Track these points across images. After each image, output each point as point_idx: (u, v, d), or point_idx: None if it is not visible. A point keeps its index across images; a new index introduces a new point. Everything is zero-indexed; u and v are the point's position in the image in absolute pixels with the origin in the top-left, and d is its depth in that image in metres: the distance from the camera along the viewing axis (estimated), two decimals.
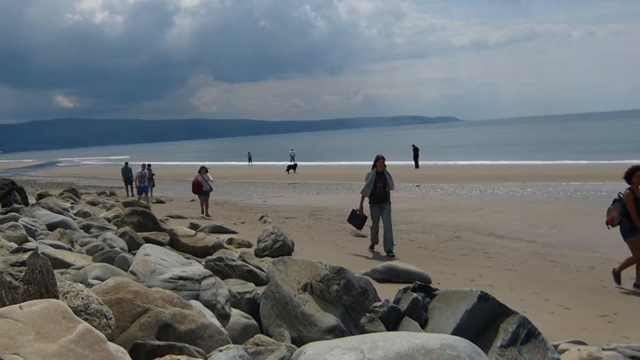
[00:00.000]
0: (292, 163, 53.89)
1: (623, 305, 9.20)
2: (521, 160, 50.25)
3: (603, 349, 5.64)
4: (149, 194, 29.31)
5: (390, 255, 13.14)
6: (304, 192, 32.54)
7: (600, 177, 30.63)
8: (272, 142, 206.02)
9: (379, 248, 13.75)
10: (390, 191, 13.93)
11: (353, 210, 14.62)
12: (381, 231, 13.60)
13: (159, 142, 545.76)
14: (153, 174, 29.80)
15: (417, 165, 49.40)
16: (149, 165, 29.93)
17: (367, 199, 13.86)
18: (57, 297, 3.76)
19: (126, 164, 33.88)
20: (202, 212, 22.47)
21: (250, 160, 73.51)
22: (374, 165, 13.88)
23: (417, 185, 33.07)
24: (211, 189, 23.45)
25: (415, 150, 49.97)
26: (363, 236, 15.91)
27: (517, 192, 26.81)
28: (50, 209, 14.15)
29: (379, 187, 13.65)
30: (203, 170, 23.82)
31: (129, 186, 32.94)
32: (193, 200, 29.15)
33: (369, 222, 14.19)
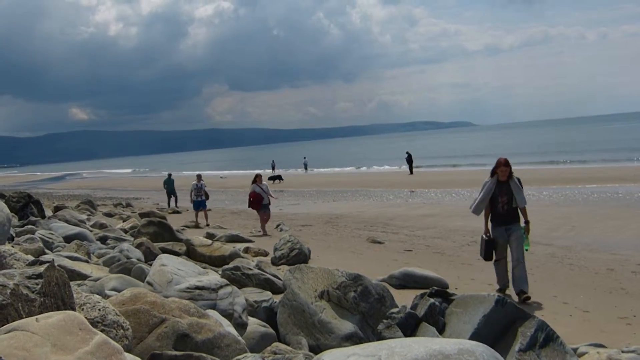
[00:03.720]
0: (277, 174, 53.59)
1: None
2: (537, 164, 49.94)
3: (622, 352, 5.60)
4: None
5: (525, 299, 9.17)
6: (319, 200, 32.50)
7: (617, 179, 30.46)
8: (288, 150, 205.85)
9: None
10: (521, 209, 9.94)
11: (481, 237, 10.37)
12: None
13: (175, 153, 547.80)
14: (205, 185, 25.38)
15: (411, 172, 49.88)
16: (200, 176, 25.50)
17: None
18: (73, 309, 3.78)
19: (169, 175, 33.00)
20: (261, 230, 18.92)
21: (273, 169, 73.51)
22: (493, 172, 10.02)
23: (412, 191, 33.30)
24: (269, 202, 19.66)
25: (409, 157, 50.17)
26: (380, 242, 15.83)
27: (534, 196, 26.62)
28: (67, 221, 14.24)
29: (501, 203, 9.88)
30: (259, 179, 19.80)
31: (171, 199, 32.10)
32: (210, 209, 29.06)
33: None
